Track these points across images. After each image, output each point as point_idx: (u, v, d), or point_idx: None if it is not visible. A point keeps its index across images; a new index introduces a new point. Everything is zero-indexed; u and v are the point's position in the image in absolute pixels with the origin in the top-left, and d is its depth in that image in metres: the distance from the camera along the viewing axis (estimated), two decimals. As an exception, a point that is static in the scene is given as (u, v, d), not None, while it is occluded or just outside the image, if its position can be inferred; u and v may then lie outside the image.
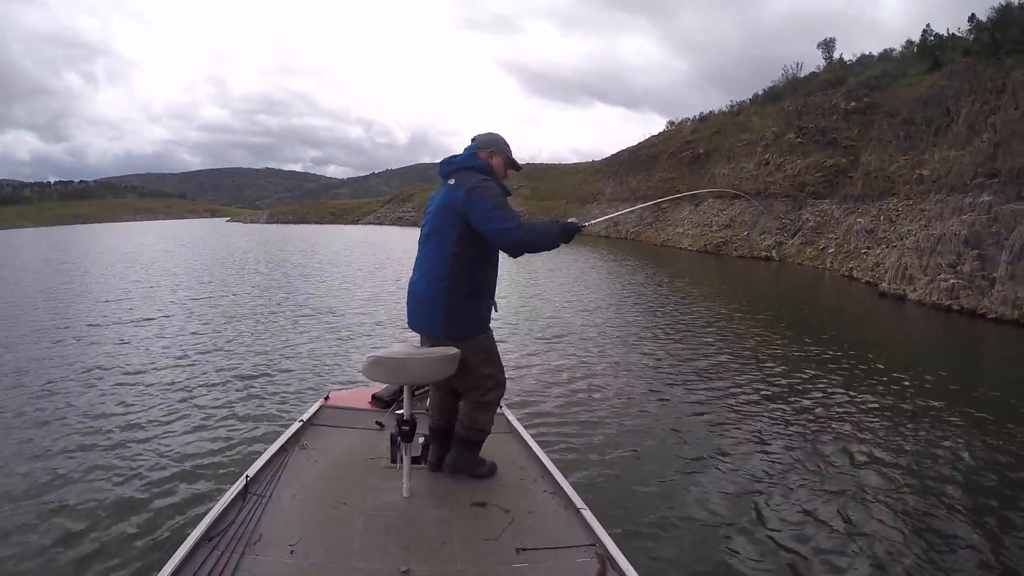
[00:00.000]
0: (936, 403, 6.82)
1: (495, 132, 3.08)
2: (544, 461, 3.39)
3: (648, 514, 4.43)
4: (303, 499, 2.90)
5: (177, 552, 2.33)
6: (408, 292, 2.97)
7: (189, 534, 2.47)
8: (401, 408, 2.99)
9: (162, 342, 10.04)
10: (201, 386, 7.85)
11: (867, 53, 36.18)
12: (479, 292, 2.87)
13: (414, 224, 65.83)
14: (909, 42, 36.47)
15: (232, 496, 2.80)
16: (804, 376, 7.83)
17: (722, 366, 8.45)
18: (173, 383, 7.86)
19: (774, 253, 26.23)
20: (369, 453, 3.46)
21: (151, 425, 6.40)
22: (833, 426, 6.13)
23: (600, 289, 16.51)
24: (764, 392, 7.20)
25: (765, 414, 6.44)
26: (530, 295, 14.81)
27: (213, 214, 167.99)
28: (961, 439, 5.77)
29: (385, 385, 4.27)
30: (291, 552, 2.46)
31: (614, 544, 2.58)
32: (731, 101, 43.80)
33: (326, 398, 4.36)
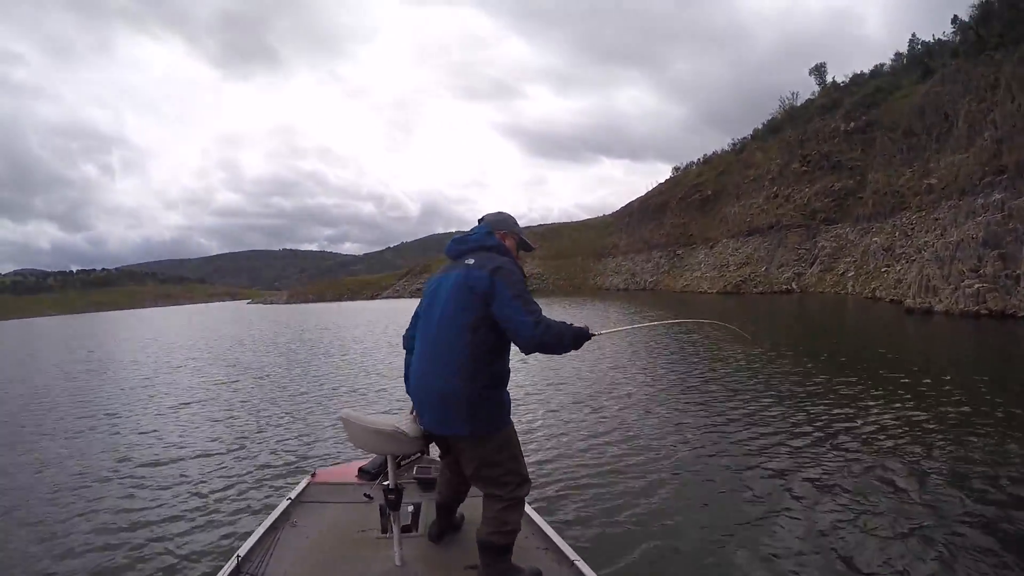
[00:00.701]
0: (993, 411, 6.28)
1: (504, 212, 2.85)
2: (535, 519, 3.24)
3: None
4: None
5: None
6: (413, 387, 2.64)
7: None
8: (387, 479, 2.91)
9: (163, 426, 9.83)
10: (195, 462, 7.64)
11: (859, 72, 36.21)
12: (500, 382, 2.58)
13: None
14: (898, 54, 36.81)
15: None
16: (848, 406, 7.22)
17: (759, 407, 7.71)
18: (165, 463, 7.65)
19: (794, 285, 25.61)
20: (359, 526, 3.30)
21: (141, 506, 5.98)
22: (893, 449, 5.58)
23: (617, 345, 16.07)
24: (812, 429, 6.51)
25: (817, 447, 5.86)
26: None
27: (233, 297, 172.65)
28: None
29: (371, 458, 4.06)
30: None
31: (587, 565, 2.58)
32: (732, 139, 43.99)
33: (313, 475, 4.14)
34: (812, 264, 25.49)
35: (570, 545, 2.98)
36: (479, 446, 2.55)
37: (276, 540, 3.15)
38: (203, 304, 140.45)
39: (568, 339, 2.55)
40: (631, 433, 7.24)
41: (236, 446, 8.35)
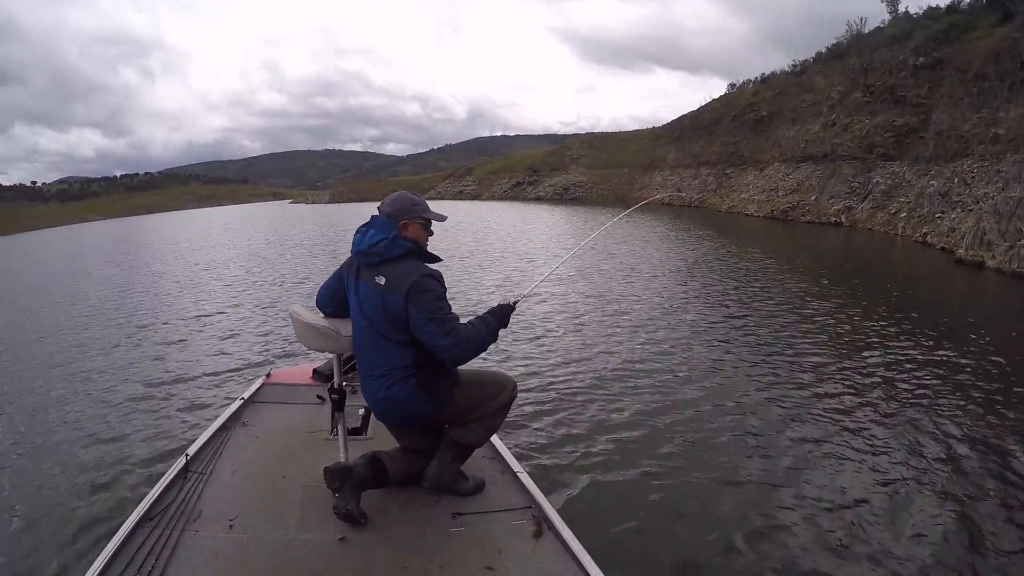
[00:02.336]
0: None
1: (400, 193, 2.78)
2: None
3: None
4: (243, 475, 2.94)
5: (118, 532, 2.38)
6: (366, 395, 2.75)
7: (129, 515, 2.51)
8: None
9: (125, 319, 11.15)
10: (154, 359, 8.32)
11: (934, 5, 34.20)
12: (447, 368, 2.70)
13: (473, 198, 66.59)
14: (977, -9, 34.65)
15: (172, 476, 2.83)
16: (883, 356, 7.30)
17: (794, 347, 7.93)
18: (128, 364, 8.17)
19: (843, 218, 25.75)
20: (309, 427, 3.49)
21: (93, 406, 6.54)
22: (923, 409, 5.70)
23: (662, 261, 16.43)
24: (847, 376, 6.69)
25: (847, 396, 6.09)
26: (587, 267, 14.85)
27: (276, 197, 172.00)
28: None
29: (326, 359, 4.18)
30: (230, 527, 2.49)
31: (550, 506, 2.66)
32: (794, 61, 42.13)
33: (267, 375, 4.34)
34: (864, 199, 25.55)
35: (514, 455, 3.16)
36: (449, 408, 2.71)
37: (226, 440, 3.28)
38: (247, 205, 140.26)
39: (491, 337, 2.65)
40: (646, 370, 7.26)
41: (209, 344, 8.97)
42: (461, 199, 68.77)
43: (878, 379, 6.60)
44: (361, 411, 3.20)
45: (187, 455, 3.00)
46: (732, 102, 44.47)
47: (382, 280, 2.55)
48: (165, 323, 10.76)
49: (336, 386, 2.92)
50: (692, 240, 21.39)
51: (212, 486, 2.79)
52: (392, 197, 2.73)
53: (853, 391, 6.23)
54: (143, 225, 63.05)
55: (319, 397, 3.81)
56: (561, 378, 6.92)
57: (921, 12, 34.02)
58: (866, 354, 7.45)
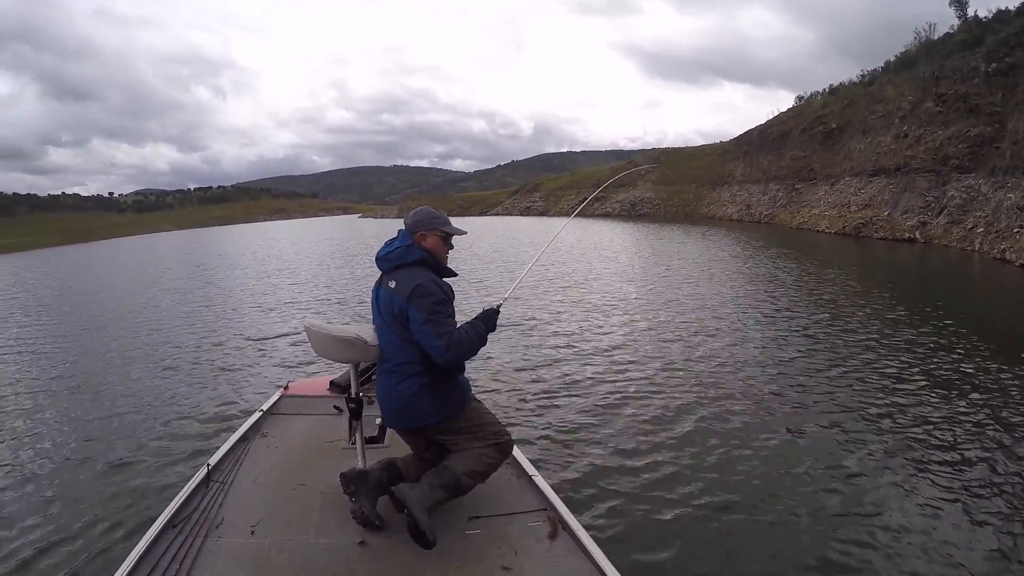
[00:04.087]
0: None
1: (422, 207, 2.90)
2: None
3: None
4: (263, 483, 3.01)
5: (142, 539, 2.43)
6: (378, 395, 2.86)
7: (153, 523, 2.57)
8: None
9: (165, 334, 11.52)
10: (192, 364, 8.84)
11: (1004, 8, 32.85)
12: (456, 372, 2.79)
13: (540, 214, 67.51)
14: (1049, -9, 32.82)
15: (195, 484, 2.90)
16: (965, 383, 6.81)
17: (860, 363, 7.62)
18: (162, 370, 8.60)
19: (918, 234, 25.00)
20: (327, 436, 3.57)
21: (119, 416, 6.77)
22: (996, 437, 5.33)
23: (728, 276, 16.21)
24: (917, 404, 6.25)
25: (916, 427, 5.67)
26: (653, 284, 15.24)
27: (345, 211, 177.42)
28: None
29: (343, 370, 4.25)
30: (252, 533, 2.55)
31: (565, 508, 2.70)
32: (862, 70, 41.07)
33: (285, 387, 4.44)
34: (939, 214, 24.78)
35: (529, 459, 3.21)
36: (452, 425, 2.74)
37: (246, 450, 3.35)
38: (317, 218, 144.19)
39: (480, 342, 2.73)
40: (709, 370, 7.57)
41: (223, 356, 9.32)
42: (528, 215, 69.89)
43: (963, 407, 6.11)
44: (378, 420, 3.27)
45: (209, 464, 3.09)
46: (800, 115, 43.68)
47: (393, 283, 2.71)
48: (212, 338, 11.06)
49: (353, 395, 2.99)
50: (762, 257, 21.01)
51: (233, 494, 2.87)
52: (415, 211, 2.89)
53: (931, 421, 5.78)
54: (217, 236, 67.62)
55: (336, 408, 3.91)
56: (586, 385, 7.15)
57: (991, 15, 32.64)
58: (948, 382, 6.93)
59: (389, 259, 2.78)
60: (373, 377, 3.68)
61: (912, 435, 5.45)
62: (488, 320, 2.81)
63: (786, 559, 3.70)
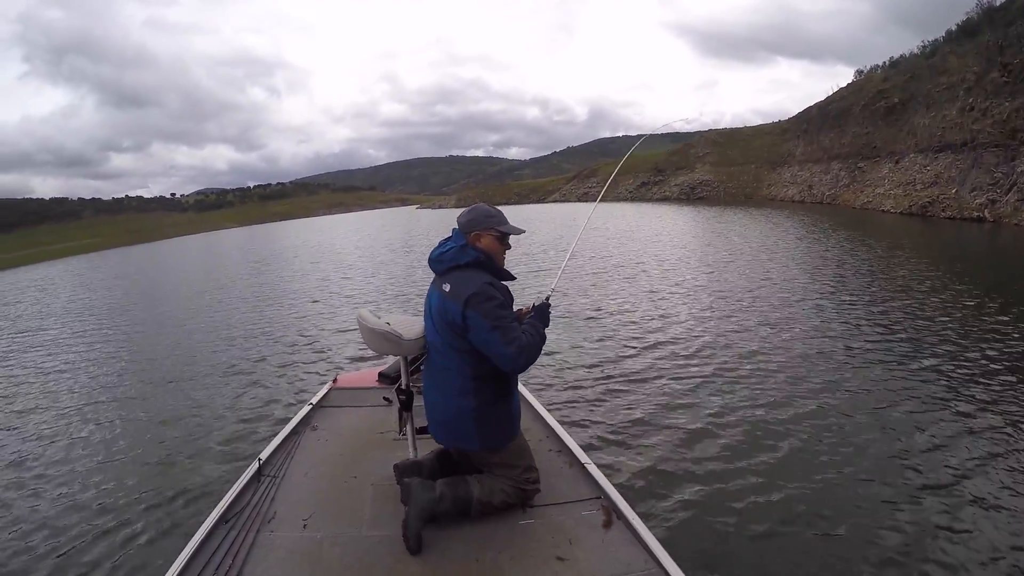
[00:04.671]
0: None
1: (476, 205, 2.75)
2: (548, 421, 3.47)
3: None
4: (315, 476, 2.99)
5: (196, 534, 2.43)
6: (425, 402, 2.78)
7: (207, 517, 2.57)
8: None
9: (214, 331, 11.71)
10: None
11: None
12: (506, 395, 2.66)
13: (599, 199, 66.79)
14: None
15: (247, 479, 2.90)
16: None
17: (928, 355, 7.10)
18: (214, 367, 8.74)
19: (986, 213, 24.38)
20: (378, 428, 3.54)
21: (174, 412, 6.90)
22: None
23: (793, 260, 15.70)
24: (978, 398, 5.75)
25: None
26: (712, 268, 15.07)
27: (403, 203, 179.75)
28: None
29: (392, 362, 4.18)
30: (304, 526, 2.53)
31: (620, 496, 2.63)
32: (922, 41, 39.87)
33: (335, 380, 4.42)
34: (1008, 191, 24.08)
35: (581, 447, 3.15)
36: (490, 457, 2.65)
37: (297, 443, 3.34)
38: (375, 210, 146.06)
39: (543, 339, 2.63)
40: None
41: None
42: (586, 200, 69.74)
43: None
44: None
45: (260, 459, 3.09)
46: (861, 90, 42.68)
47: (447, 287, 2.56)
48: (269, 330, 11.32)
49: (403, 387, 2.96)
50: (830, 241, 20.03)
51: (285, 488, 2.86)
52: (468, 208, 2.74)
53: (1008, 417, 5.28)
54: (277, 232, 69.07)
55: (386, 399, 3.88)
56: (644, 373, 7.06)
57: (1058, -22, 31.25)
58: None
59: (443, 260, 2.65)
60: (421, 367, 3.66)
61: (1002, 436, 4.91)
62: (543, 316, 2.75)
63: (852, 562, 3.50)
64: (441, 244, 2.70)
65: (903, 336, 7.95)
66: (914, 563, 3.45)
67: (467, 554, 2.34)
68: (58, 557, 4.09)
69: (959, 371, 6.47)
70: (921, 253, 15.81)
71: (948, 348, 7.31)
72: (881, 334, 8.10)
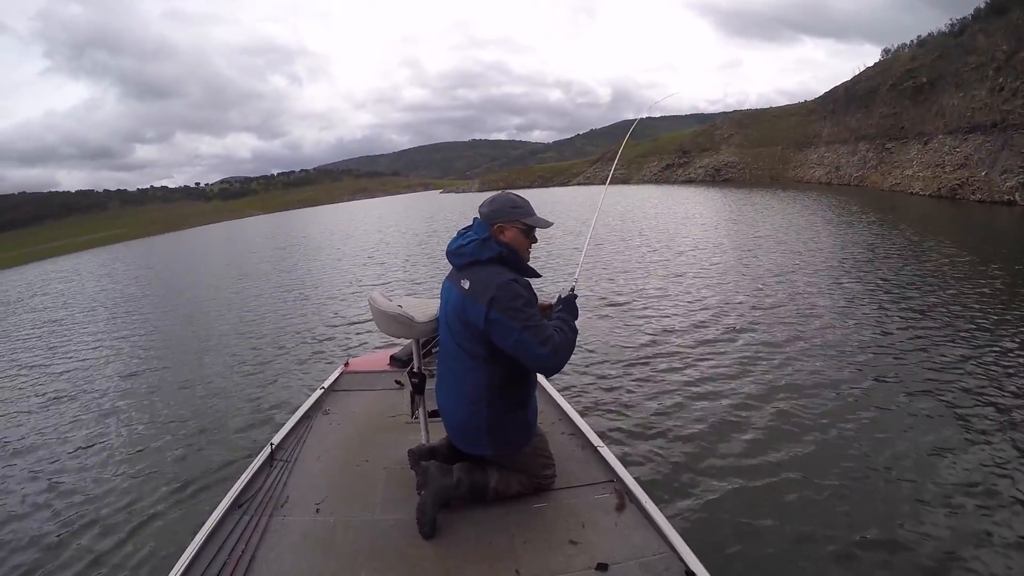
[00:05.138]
0: None
1: (500, 194, 2.59)
2: (561, 404, 3.43)
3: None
4: (327, 461, 2.97)
5: (209, 519, 2.42)
6: (439, 403, 2.68)
7: (220, 502, 2.55)
8: None
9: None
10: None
11: None
12: (522, 403, 2.55)
13: (623, 182, 66.18)
14: None
15: (259, 464, 2.88)
16: None
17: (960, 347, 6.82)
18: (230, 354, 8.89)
19: (1017, 196, 24.16)
20: (390, 412, 3.50)
21: (179, 400, 7.03)
22: None
23: (826, 250, 14.67)
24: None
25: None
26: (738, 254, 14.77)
27: (426, 187, 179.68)
28: None
29: (403, 345, 4.28)
30: (317, 511, 2.52)
31: (633, 480, 2.60)
32: (951, 19, 39.06)
33: (346, 364, 4.39)
34: (1039, 174, 24.09)
35: (594, 431, 3.09)
36: (504, 462, 2.56)
37: (309, 428, 3.32)
38: (399, 195, 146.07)
39: (574, 335, 2.47)
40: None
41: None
42: (611, 184, 68.40)
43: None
44: None
45: (272, 444, 3.06)
46: (888, 69, 42.05)
47: (466, 284, 2.41)
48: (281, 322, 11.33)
49: (415, 370, 2.93)
50: (860, 225, 19.46)
51: (297, 472, 2.84)
52: (491, 197, 2.57)
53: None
54: (301, 219, 69.46)
55: (397, 382, 3.87)
56: (661, 358, 7.06)
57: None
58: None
59: (462, 254, 2.48)
60: (434, 351, 3.67)
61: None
62: (572, 309, 2.60)
63: (870, 561, 3.41)
64: (460, 234, 2.54)
65: (936, 324, 7.63)
66: (946, 570, 3.30)
67: (480, 538, 2.33)
68: (73, 540, 4.19)
69: (998, 362, 6.16)
70: (952, 237, 15.29)
71: (984, 337, 6.99)
72: (914, 322, 7.83)
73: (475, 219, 2.54)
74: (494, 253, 2.42)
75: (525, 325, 2.27)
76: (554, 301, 2.69)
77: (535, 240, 2.59)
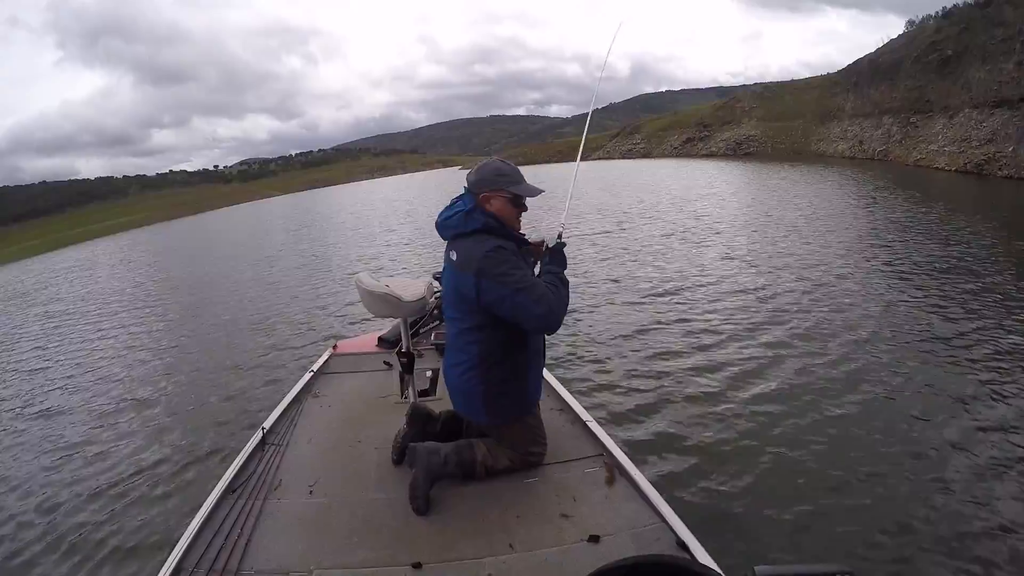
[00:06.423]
0: None
1: (487, 162, 2.53)
2: (549, 380, 3.37)
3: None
4: (319, 443, 2.95)
5: (203, 505, 2.40)
6: (443, 371, 2.71)
7: (213, 488, 2.53)
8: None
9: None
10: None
11: None
12: (520, 372, 2.53)
13: (644, 156, 65.60)
14: None
15: (251, 448, 2.86)
16: None
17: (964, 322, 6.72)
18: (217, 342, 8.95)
19: None
20: (379, 392, 3.47)
21: (171, 386, 7.02)
22: None
23: (852, 229, 14.11)
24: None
25: None
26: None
27: (445, 165, 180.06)
28: None
29: (391, 327, 4.25)
30: (310, 493, 2.52)
31: (622, 453, 2.61)
32: None
33: (334, 347, 4.34)
34: (1068, 149, 23.83)
35: (583, 406, 3.09)
36: (498, 430, 2.57)
37: (299, 411, 3.30)
38: (418, 173, 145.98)
39: (567, 284, 2.44)
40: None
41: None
42: (630, 157, 68.31)
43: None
44: (429, 373, 3.15)
45: (263, 428, 3.03)
46: (912, 41, 41.24)
47: (454, 255, 2.41)
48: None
49: (404, 350, 2.93)
50: (888, 202, 18.85)
51: (290, 455, 2.82)
52: (478, 166, 2.51)
53: None
54: (319, 198, 70.13)
55: (386, 363, 3.85)
56: (650, 334, 7.05)
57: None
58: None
59: (448, 226, 2.46)
60: (422, 330, 3.85)
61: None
62: (561, 260, 2.54)
63: (859, 522, 3.48)
64: (449, 206, 2.51)
65: (962, 309, 7.19)
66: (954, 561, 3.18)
67: (472, 513, 2.35)
68: (69, 531, 4.18)
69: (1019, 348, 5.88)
70: (982, 215, 14.67)
71: (1013, 321, 6.63)
72: (940, 307, 7.38)
73: (464, 188, 2.50)
74: (479, 225, 2.38)
75: (517, 288, 2.25)
76: (543, 247, 2.63)
77: (525, 209, 2.53)
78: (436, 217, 2.51)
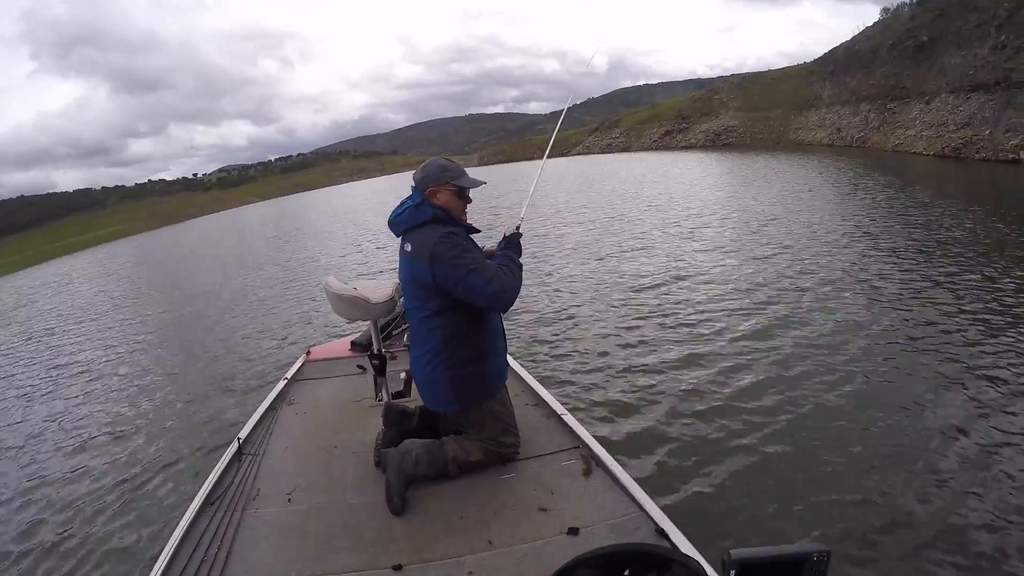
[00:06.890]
0: None
1: (431, 160, 2.67)
2: (523, 375, 3.44)
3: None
4: (295, 450, 2.94)
5: (182, 519, 2.37)
6: (411, 367, 2.75)
7: (191, 501, 2.50)
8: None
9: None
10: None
11: None
12: (483, 353, 2.59)
13: (623, 150, 65.71)
14: None
15: (228, 459, 2.84)
16: None
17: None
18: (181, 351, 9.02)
19: (1022, 154, 23.97)
20: (354, 396, 3.47)
21: (146, 402, 6.90)
22: None
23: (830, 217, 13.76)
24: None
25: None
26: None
27: None
28: None
29: (363, 331, 4.29)
30: (288, 501, 2.49)
31: (598, 444, 2.63)
32: None
33: (307, 353, 4.33)
34: (1043, 132, 23.95)
35: (558, 399, 3.11)
36: (467, 416, 2.60)
37: (275, 419, 3.28)
38: (399, 174, 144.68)
39: (520, 271, 2.57)
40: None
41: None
42: (610, 151, 68.46)
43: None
44: (403, 375, 3.10)
45: (239, 438, 3.00)
46: (888, 29, 41.43)
47: (409, 247, 2.52)
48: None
49: (376, 352, 2.94)
50: (868, 187, 18.76)
51: (267, 465, 2.80)
52: (423, 164, 2.64)
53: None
54: (298, 204, 69.19)
55: (359, 367, 3.85)
56: (624, 326, 6.98)
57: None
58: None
59: (400, 221, 2.59)
60: (395, 332, 3.87)
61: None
62: (515, 246, 2.68)
63: (838, 506, 3.48)
64: (401, 204, 2.63)
65: (947, 292, 7.04)
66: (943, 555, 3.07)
67: (451, 511, 2.35)
68: (44, 554, 4.07)
69: (1009, 329, 5.74)
70: (960, 198, 14.79)
71: (998, 304, 6.46)
72: (925, 291, 7.22)
73: (412, 186, 2.61)
74: (428, 216, 2.51)
75: (470, 269, 2.37)
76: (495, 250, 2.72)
77: (469, 200, 2.67)
78: (388, 216, 2.61)
